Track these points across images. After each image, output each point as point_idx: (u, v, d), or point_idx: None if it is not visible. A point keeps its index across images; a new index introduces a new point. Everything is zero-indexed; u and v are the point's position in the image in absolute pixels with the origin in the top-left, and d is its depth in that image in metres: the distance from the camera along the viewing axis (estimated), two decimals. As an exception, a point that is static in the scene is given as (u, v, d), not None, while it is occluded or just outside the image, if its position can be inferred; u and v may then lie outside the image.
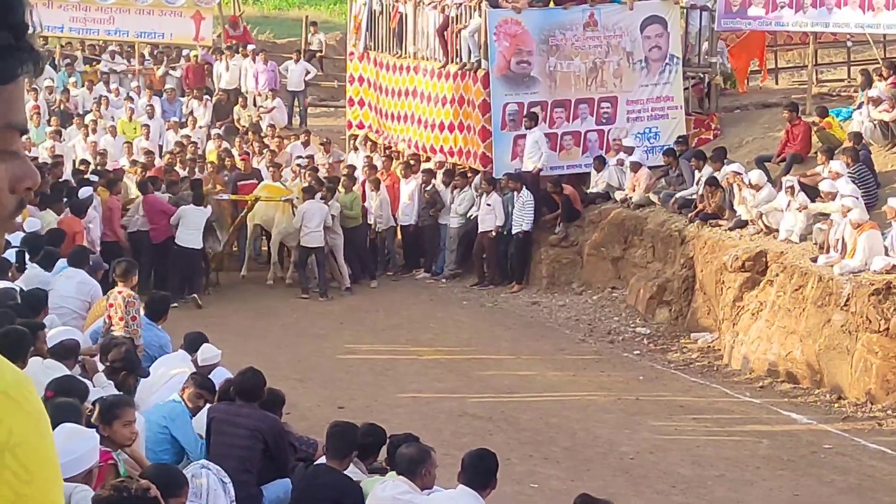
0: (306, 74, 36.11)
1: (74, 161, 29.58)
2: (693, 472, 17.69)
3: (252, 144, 31.18)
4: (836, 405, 20.60)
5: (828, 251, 21.72)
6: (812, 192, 22.94)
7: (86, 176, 26.81)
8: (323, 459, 11.44)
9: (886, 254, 20.73)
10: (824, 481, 17.49)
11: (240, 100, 35.13)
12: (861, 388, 20.59)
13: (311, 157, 29.91)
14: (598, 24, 28.16)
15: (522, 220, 26.52)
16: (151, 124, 32.79)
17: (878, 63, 26.85)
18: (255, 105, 34.70)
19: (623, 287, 25.74)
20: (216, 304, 25.63)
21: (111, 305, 14.97)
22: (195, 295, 25.36)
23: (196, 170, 28.89)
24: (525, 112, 27.63)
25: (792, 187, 23.24)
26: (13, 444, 2.07)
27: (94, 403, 9.78)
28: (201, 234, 25.91)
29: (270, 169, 28.56)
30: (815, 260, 21.91)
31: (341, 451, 11.03)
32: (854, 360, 20.86)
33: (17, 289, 15.28)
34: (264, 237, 28.45)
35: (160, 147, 31.68)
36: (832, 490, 17.24)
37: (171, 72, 37.48)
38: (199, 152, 30.74)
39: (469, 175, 28.15)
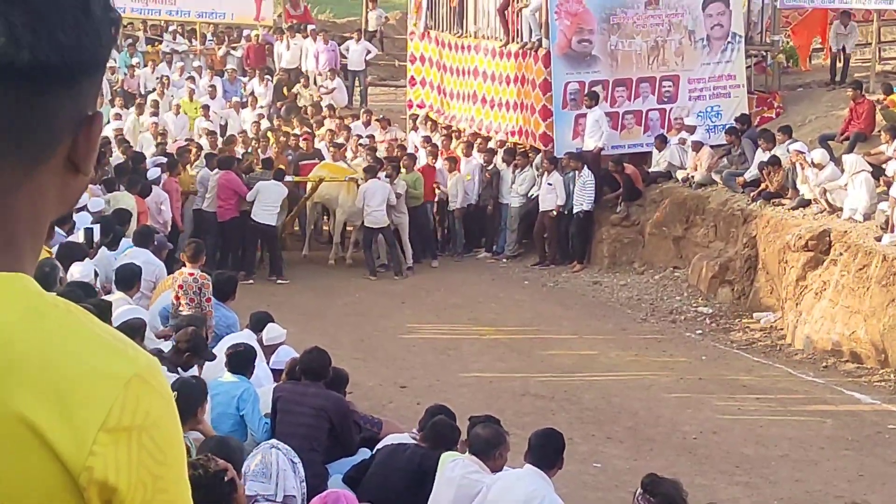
0: (367, 54, 36.10)
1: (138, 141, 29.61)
2: (756, 453, 17.61)
3: (313, 124, 31.21)
4: (901, 386, 20.57)
5: (892, 230, 21.58)
6: (877, 171, 22.84)
7: (153, 156, 26.94)
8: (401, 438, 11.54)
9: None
10: (889, 461, 17.41)
11: (301, 79, 35.13)
12: (926, 369, 20.55)
13: (371, 137, 29.88)
14: (659, 2, 28.04)
15: (583, 200, 26.39)
16: (212, 104, 32.84)
17: None
18: (315, 85, 34.69)
19: (685, 266, 25.58)
20: (279, 284, 25.69)
21: (180, 287, 15.03)
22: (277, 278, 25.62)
23: (259, 150, 28.69)
24: (586, 91, 27.46)
25: (855, 164, 23.14)
26: (149, 425, 2.11)
27: (175, 389, 9.63)
28: (277, 212, 25.93)
29: (331, 149, 28.46)
30: (879, 239, 21.76)
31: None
32: (919, 340, 20.80)
33: (94, 270, 15.32)
34: (325, 217, 28.35)
35: (221, 127, 31.63)
36: (897, 467, 17.25)
37: (231, 52, 37.52)
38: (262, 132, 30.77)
39: (530, 154, 28.02)
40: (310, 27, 36.33)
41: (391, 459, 11.06)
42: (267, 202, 25.45)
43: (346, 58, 35.66)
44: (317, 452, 11.03)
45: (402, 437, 11.56)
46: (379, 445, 11.56)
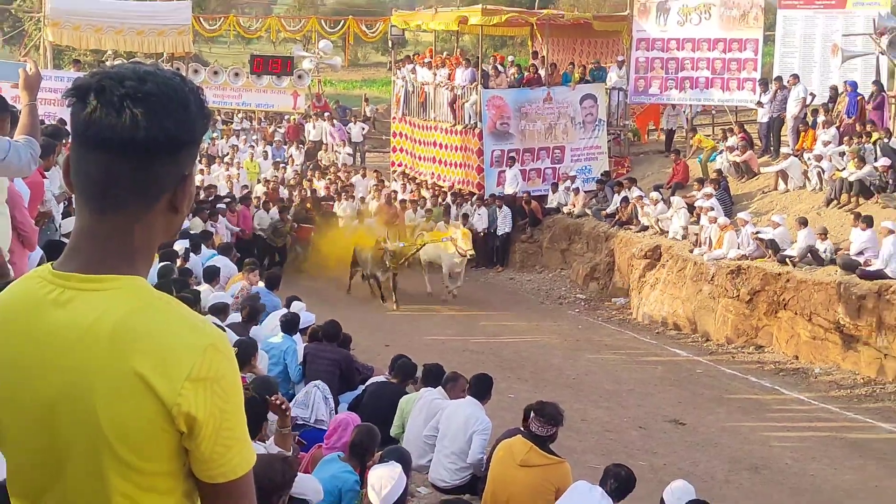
0: (363, 131, 35.64)
1: (217, 187, 29.09)
2: (613, 388, 17.49)
3: (330, 177, 30.84)
4: (706, 345, 20.35)
5: (700, 245, 21.50)
6: (690, 208, 22.63)
7: (222, 196, 26.55)
8: (382, 378, 11.50)
9: (738, 248, 20.56)
10: (697, 394, 17.33)
11: (323, 147, 34.79)
12: (721, 334, 20.42)
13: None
14: (553, 99, 27.31)
15: (505, 225, 25.82)
16: (264, 164, 32.51)
17: (732, 124, 26.36)
18: (332, 151, 34.31)
19: (568, 268, 25.07)
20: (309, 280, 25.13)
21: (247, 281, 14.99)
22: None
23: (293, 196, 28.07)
24: (505, 156, 26.90)
25: (676, 203, 22.97)
26: (219, 377, 2.18)
27: (235, 346, 9.60)
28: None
29: (342, 194, 27.70)
30: (691, 251, 21.70)
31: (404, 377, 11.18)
32: (717, 316, 20.67)
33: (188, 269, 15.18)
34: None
35: (264, 179, 30.87)
36: (703, 398, 17.05)
37: (278, 129, 37.09)
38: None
39: (466, 196, 27.03)
40: (327, 114, 35.90)
41: (378, 392, 10.95)
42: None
43: (350, 133, 35.25)
44: (331, 388, 10.95)
45: (383, 378, 11.53)
46: (369, 382, 11.48)
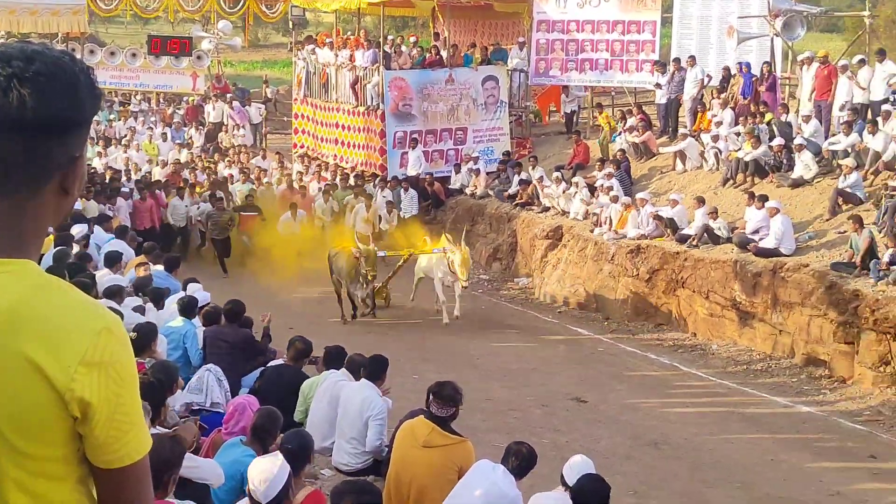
0: (262, 112, 35.11)
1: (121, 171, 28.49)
2: (517, 367, 17.63)
3: (230, 158, 30.47)
4: (606, 323, 20.61)
5: (600, 225, 21.72)
6: (591, 189, 22.84)
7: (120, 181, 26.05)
8: (280, 361, 11.35)
9: (638, 227, 20.84)
10: (599, 372, 17.54)
11: (222, 129, 34.30)
12: (622, 313, 20.70)
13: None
14: (455, 80, 27.25)
15: (411, 207, 25.54)
16: (163, 146, 32.00)
17: (631, 105, 26.64)
18: (232, 133, 33.86)
19: (472, 248, 25.02)
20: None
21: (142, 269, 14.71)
22: None
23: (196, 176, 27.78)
24: (408, 137, 26.80)
25: (577, 183, 23.20)
26: (113, 361, 2.15)
27: (134, 331, 9.52)
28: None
29: (241, 175, 27.37)
30: (592, 231, 21.92)
31: (300, 357, 10.99)
32: (617, 295, 20.96)
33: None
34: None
35: (163, 161, 30.34)
36: (605, 376, 17.24)
37: (177, 111, 36.52)
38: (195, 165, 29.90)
39: (368, 178, 27.08)
40: (228, 95, 35.42)
41: (276, 375, 10.83)
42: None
43: (250, 114, 34.82)
44: (233, 371, 10.79)
45: (280, 361, 11.38)
46: (269, 365, 11.34)
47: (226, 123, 34.30)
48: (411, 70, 27.55)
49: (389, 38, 31.04)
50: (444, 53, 28.36)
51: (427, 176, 26.55)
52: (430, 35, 33.55)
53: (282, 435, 7.33)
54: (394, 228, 24.36)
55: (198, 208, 24.90)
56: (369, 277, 19.53)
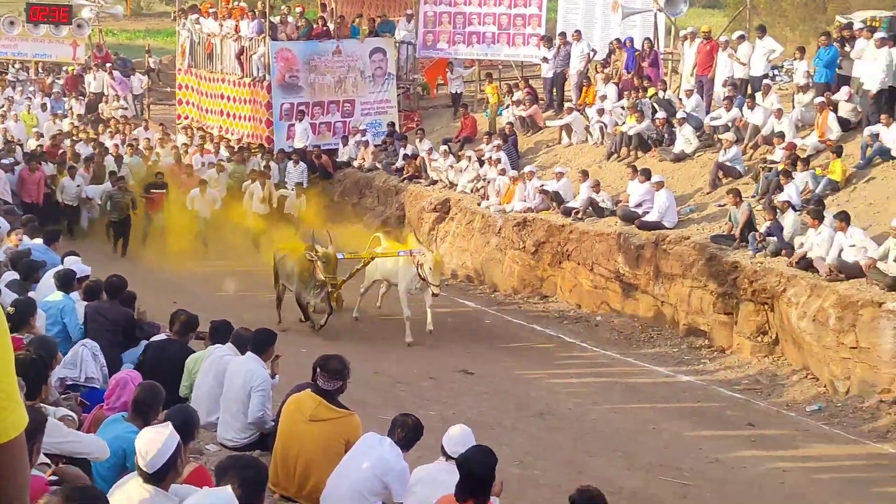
0: (143, 83, 34.46)
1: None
2: (404, 340, 17.62)
3: (111, 129, 29.76)
4: (493, 295, 20.79)
5: (488, 198, 21.82)
6: (481, 162, 22.91)
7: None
8: (163, 336, 11.13)
9: (525, 200, 21.00)
10: (486, 343, 17.76)
11: (103, 99, 33.48)
12: (508, 285, 20.87)
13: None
14: (342, 52, 27.05)
15: (302, 180, 25.07)
16: (41, 116, 31.10)
17: (518, 79, 26.85)
18: (112, 103, 33.09)
19: (360, 222, 24.90)
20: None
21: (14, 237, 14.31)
22: None
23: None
24: (295, 109, 26.60)
25: (470, 157, 23.26)
26: None
27: (12, 306, 9.26)
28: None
29: (127, 148, 26.49)
30: (479, 204, 22.03)
31: (185, 332, 10.75)
32: (504, 268, 21.12)
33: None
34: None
35: (37, 133, 29.44)
36: (491, 348, 17.44)
37: (56, 80, 35.57)
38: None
39: (255, 150, 26.60)
40: (108, 65, 34.61)
41: (160, 350, 10.62)
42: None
43: (132, 84, 34.10)
44: (113, 347, 10.55)
45: (164, 335, 11.15)
46: (151, 340, 11.09)
47: (106, 94, 33.55)
48: (297, 41, 27.27)
49: (275, 8, 30.65)
50: (330, 25, 28.14)
51: (314, 148, 26.39)
52: (318, 6, 33.12)
53: (165, 411, 7.21)
54: (302, 213, 23.98)
55: (95, 188, 24.14)
56: (329, 287, 17.19)
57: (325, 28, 27.99)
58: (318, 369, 8.13)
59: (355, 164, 26.14)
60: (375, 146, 26.15)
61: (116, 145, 27.43)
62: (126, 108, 32.65)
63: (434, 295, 17.38)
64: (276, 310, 18.11)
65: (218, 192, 24.28)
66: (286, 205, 24.28)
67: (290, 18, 28.55)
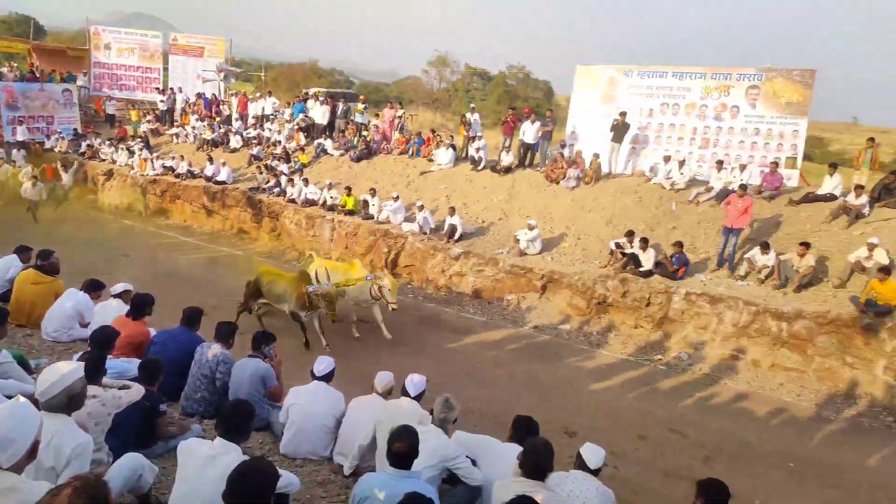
0: None
1: None
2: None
3: None
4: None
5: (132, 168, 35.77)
6: None
7: None
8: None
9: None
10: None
11: None
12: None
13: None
14: (45, 90, 36.21)
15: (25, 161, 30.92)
16: None
17: (150, 109, 38.58)
18: None
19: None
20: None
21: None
22: None
23: None
24: (16, 120, 34.69)
25: (125, 148, 35.20)
26: None
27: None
28: None
29: None
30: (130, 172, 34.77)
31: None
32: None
33: None
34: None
35: None
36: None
37: None
38: None
39: None
40: None
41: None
42: None
43: None
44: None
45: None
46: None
47: None
48: (16, 82, 36.27)
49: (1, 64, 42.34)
50: (37, 73, 38.91)
51: (31, 140, 35.07)
52: (28, 64, 42.30)
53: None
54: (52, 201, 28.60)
55: None
56: (330, 321, 17.32)
57: (33, 75, 38.36)
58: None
59: (57, 150, 35.05)
60: (69, 141, 35.82)
61: None
62: None
63: (393, 310, 17.67)
64: (236, 313, 17.80)
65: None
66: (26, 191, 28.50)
67: (8, 71, 37.95)
